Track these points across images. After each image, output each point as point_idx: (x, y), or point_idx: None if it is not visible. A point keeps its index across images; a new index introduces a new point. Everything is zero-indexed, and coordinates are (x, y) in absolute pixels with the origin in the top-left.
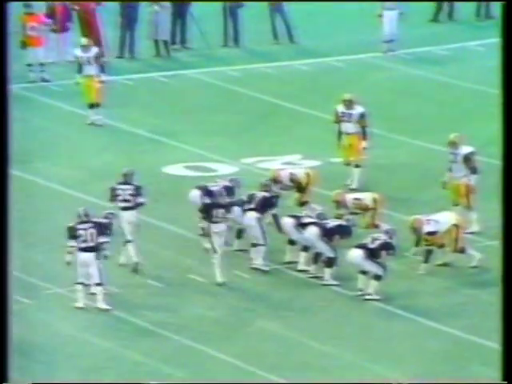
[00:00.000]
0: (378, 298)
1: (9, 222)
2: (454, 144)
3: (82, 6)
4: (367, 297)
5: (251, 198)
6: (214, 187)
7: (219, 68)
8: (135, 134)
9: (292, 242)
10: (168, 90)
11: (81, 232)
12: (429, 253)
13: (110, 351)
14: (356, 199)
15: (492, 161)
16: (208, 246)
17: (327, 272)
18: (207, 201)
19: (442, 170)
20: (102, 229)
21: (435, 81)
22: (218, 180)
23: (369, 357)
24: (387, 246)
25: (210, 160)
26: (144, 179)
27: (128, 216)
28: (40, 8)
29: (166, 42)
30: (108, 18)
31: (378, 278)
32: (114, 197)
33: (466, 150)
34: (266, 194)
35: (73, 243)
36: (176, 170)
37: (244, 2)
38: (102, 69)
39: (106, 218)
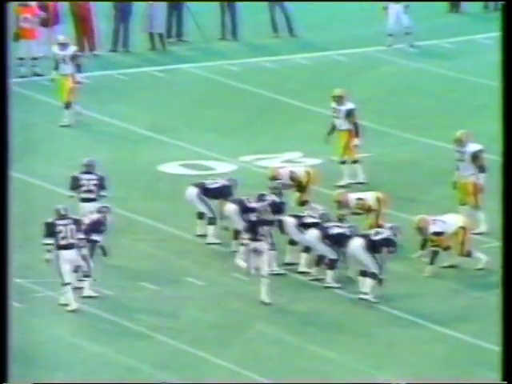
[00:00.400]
0: (375, 300)
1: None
2: (460, 141)
3: None
4: (362, 296)
5: (260, 199)
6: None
7: (216, 62)
8: (129, 130)
9: (293, 243)
10: (163, 85)
11: (60, 228)
12: (434, 254)
13: (103, 356)
14: (359, 199)
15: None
16: (243, 264)
17: (329, 274)
18: (252, 218)
19: (449, 168)
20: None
21: (441, 75)
22: (217, 178)
23: (372, 362)
24: (389, 242)
25: (207, 158)
26: (139, 178)
27: (89, 208)
28: None
29: (161, 35)
30: (101, 10)
31: (373, 276)
32: (75, 186)
33: (473, 147)
34: (276, 199)
35: (51, 240)
36: (172, 168)
37: None
38: (79, 68)
39: (99, 211)
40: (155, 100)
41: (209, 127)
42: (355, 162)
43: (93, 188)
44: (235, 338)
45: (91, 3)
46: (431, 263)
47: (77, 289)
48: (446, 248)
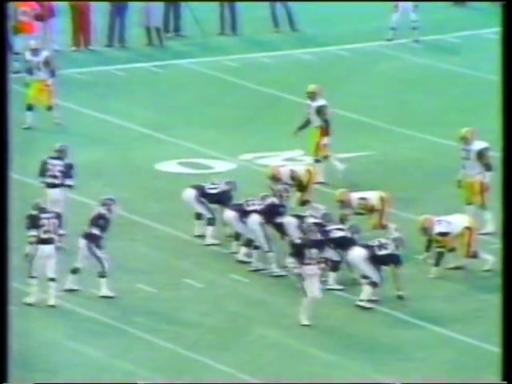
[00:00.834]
0: (369, 306)
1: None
2: (465, 139)
3: None
4: (357, 302)
5: (262, 200)
6: (213, 188)
7: (215, 58)
8: (125, 128)
9: None
10: (161, 81)
11: (44, 221)
12: (440, 255)
13: (98, 361)
14: (361, 199)
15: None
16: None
17: (331, 276)
18: (297, 240)
19: (454, 166)
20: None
21: (446, 71)
22: (216, 181)
23: (375, 367)
24: (394, 259)
25: (205, 156)
26: (135, 176)
27: (53, 194)
28: None
29: (158, 30)
30: (97, 4)
31: (373, 284)
32: (43, 172)
33: (479, 145)
34: (276, 201)
35: (34, 233)
36: (170, 166)
37: None
38: (52, 73)
39: (103, 204)
40: (152, 96)
41: (207, 124)
42: (318, 161)
43: (57, 174)
44: (234, 341)
45: None
46: (437, 264)
47: (72, 291)
48: (452, 249)
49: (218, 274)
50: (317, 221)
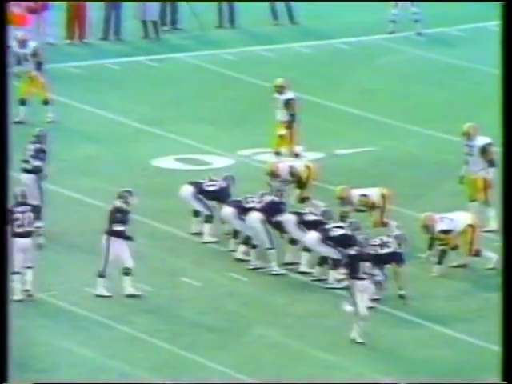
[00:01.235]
0: (371, 305)
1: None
2: (468, 135)
3: None
4: None
5: (261, 198)
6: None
7: (213, 51)
8: (121, 123)
9: (293, 242)
10: (157, 75)
11: (18, 215)
12: (443, 253)
13: (94, 361)
14: (362, 195)
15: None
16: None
17: (331, 275)
18: (351, 251)
19: (458, 162)
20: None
21: (449, 64)
22: (214, 177)
23: (377, 367)
24: (397, 257)
25: (203, 152)
26: (131, 173)
27: (24, 179)
28: None
29: (154, 23)
30: None
31: (377, 283)
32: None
33: (482, 141)
34: (275, 199)
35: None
36: (166, 162)
37: None
38: (39, 66)
39: (120, 197)
40: (148, 91)
41: (205, 120)
42: (297, 155)
43: (29, 158)
44: (233, 341)
45: None
46: (439, 263)
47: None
48: (454, 247)
49: (215, 273)
50: (316, 218)
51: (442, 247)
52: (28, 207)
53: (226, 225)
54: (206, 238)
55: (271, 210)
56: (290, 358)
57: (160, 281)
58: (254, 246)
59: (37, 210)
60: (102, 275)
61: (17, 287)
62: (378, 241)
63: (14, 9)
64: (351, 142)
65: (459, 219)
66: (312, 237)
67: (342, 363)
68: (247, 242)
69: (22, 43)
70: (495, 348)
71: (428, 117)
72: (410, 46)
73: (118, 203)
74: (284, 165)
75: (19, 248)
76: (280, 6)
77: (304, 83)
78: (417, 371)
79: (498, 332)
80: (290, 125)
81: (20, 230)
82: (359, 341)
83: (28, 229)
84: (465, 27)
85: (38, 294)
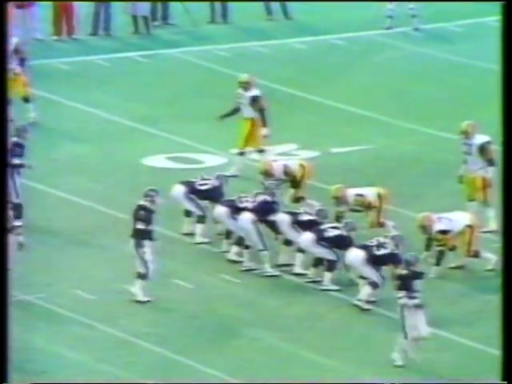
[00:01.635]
0: (367, 307)
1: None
2: (466, 133)
3: None
4: (355, 302)
5: (255, 198)
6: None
7: (205, 47)
8: (111, 121)
9: (287, 243)
10: (148, 72)
11: None
12: (440, 254)
13: (83, 365)
14: (358, 195)
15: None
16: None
17: (327, 276)
18: (403, 271)
19: (457, 161)
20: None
21: (448, 60)
22: (206, 176)
23: (373, 370)
24: (394, 258)
25: (195, 150)
26: (121, 172)
27: None
28: None
29: (145, 18)
30: None
31: (374, 285)
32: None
33: (480, 139)
34: (268, 198)
35: None
36: (157, 161)
37: None
38: (22, 62)
39: (146, 196)
40: (139, 88)
41: (197, 117)
42: (261, 151)
43: None
44: (225, 344)
45: None
46: (437, 264)
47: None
48: (452, 248)
49: (208, 274)
50: (311, 218)
51: (439, 248)
52: (9, 205)
53: (218, 225)
54: (198, 239)
55: (263, 210)
56: (285, 361)
57: (151, 283)
58: (247, 247)
59: (17, 208)
60: (143, 277)
61: None
62: (374, 242)
63: None
64: (347, 140)
65: (457, 219)
66: (307, 237)
67: (338, 367)
68: (240, 242)
69: None
70: (495, 352)
71: (426, 114)
72: (408, 42)
73: (143, 201)
74: (278, 164)
75: None
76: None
77: (299, 80)
78: (414, 375)
79: (497, 335)
80: (256, 121)
81: None
82: (399, 364)
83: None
84: (464, 22)
85: (26, 297)
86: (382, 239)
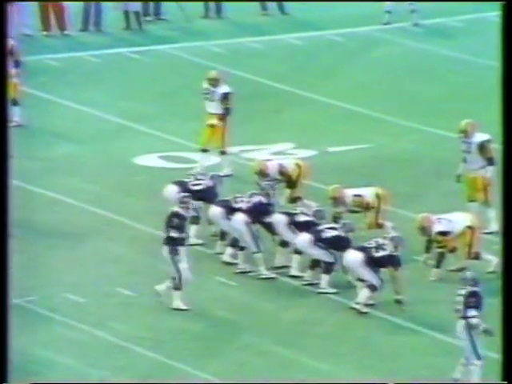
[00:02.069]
0: (365, 310)
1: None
2: (465, 132)
3: None
4: (353, 305)
5: (250, 198)
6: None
7: (199, 43)
8: (102, 119)
9: (284, 244)
10: (140, 69)
11: None
12: (440, 256)
13: (74, 369)
14: (356, 195)
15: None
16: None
17: (324, 279)
18: (475, 288)
19: (457, 160)
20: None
21: (448, 57)
22: (199, 176)
23: (371, 375)
24: (393, 260)
25: (188, 149)
26: (113, 171)
27: None
28: None
29: (137, 14)
30: None
31: (372, 287)
32: None
33: (480, 137)
34: (263, 199)
35: None
36: (150, 160)
37: None
38: (17, 64)
39: (181, 202)
40: (130, 85)
41: (190, 115)
42: (223, 153)
43: None
44: (220, 349)
45: None
46: (437, 266)
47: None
48: (453, 249)
49: (202, 277)
50: (308, 219)
51: (439, 250)
52: None
53: (212, 226)
54: (192, 240)
55: (258, 212)
56: (280, 366)
57: (143, 285)
58: (241, 249)
59: None
60: (177, 288)
61: None
62: (373, 243)
63: None
64: (344, 139)
65: (458, 220)
66: (303, 238)
67: (336, 372)
68: (235, 244)
69: None
70: (496, 356)
71: (425, 112)
72: (407, 38)
73: (177, 208)
74: (273, 163)
75: None
76: None
77: (295, 76)
78: (413, 379)
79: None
80: (223, 118)
81: None
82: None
83: None
84: (464, 18)
85: (15, 300)
86: (380, 240)
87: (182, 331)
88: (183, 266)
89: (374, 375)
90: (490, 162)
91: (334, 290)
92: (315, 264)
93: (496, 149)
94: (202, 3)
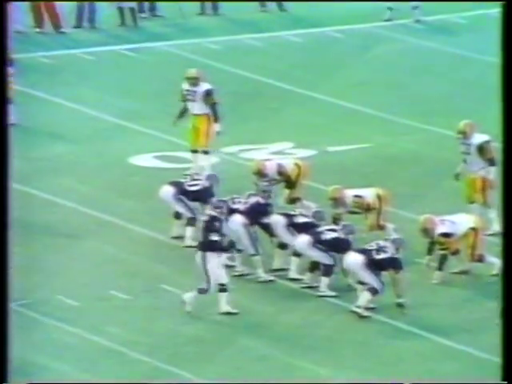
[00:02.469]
0: (366, 314)
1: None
2: (464, 133)
3: None
4: (354, 308)
5: (248, 199)
6: (193, 185)
7: (195, 40)
8: (96, 118)
9: (282, 246)
10: (135, 66)
11: None
12: (443, 259)
13: (66, 375)
14: (357, 196)
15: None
16: None
17: (324, 281)
18: None
19: (460, 160)
20: None
21: (451, 54)
22: (196, 176)
23: (372, 381)
24: (395, 263)
25: (185, 149)
26: (107, 172)
27: None
28: None
29: (132, 10)
30: None
31: (373, 291)
32: None
33: (479, 138)
34: (261, 200)
35: None
36: (145, 160)
37: None
38: (10, 63)
39: (216, 207)
40: (125, 83)
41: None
42: (206, 153)
43: None
44: (217, 353)
45: None
46: (440, 269)
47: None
48: (456, 251)
49: (198, 280)
50: (307, 220)
51: (442, 252)
52: None
53: None
54: (188, 242)
55: (256, 213)
56: (279, 371)
57: (138, 288)
58: (239, 251)
59: None
60: (204, 291)
61: None
62: (374, 245)
63: None
64: (344, 138)
65: (461, 222)
66: (302, 240)
67: (335, 377)
68: (232, 246)
69: None
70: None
71: (427, 111)
72: (408, 35)
73: (214, 213)
74: (272, 163)
75: None
76: None
77: (294, 74)
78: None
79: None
80: (211, 118)
81: None
82: None
83: None
84: (467, 14)
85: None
86: (381, 243)
87: (179, 335)
88: (221, 270)
89: (373, 380)
90: (491, 162)
91: (333, 294)
92: (314, 266)
93: (496, 148)
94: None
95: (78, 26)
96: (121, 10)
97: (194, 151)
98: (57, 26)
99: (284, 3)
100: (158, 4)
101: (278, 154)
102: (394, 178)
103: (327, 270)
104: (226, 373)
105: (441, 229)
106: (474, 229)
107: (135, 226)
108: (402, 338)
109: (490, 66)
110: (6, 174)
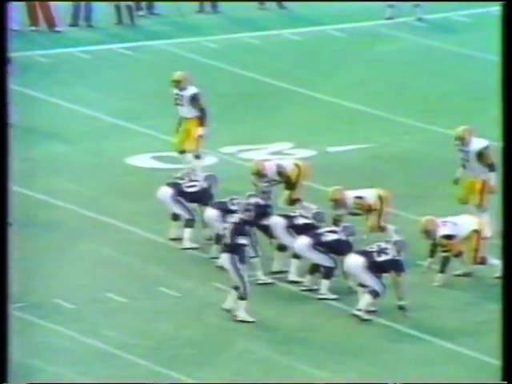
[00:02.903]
0: (367, 317)
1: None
2: (462, 139)
3: None
4: (354, 312)
5: (248, 199)
6: (192, 186)
7: (193, 38)
8: (93, 117)
9: (282, 248)
10: (132, 65)
11: None
12: (445, 261)
13: (63, 378)
14: (358, 197)
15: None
16: None
17: (324, 284)
18: None
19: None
20: None
21: (452, 52)
22: (194, 177)
23: None
24: (397, 265)
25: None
26: (104, 172)
27: None
28: None
29: (129, 8)
30: None
31: (374, 293)
32: None
33: (477, 144)
34: (260, 201)
35: None
36: (142, 161)
37: None
38: (8, 61)
39: (246, 210)
40: (122, 82)
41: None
42: (198, 157)
43: None
44: (215, 356)
45: None
46: (442, 271)
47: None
48: (458, 254)
49: (196, 282)
50: (307, 221)
51: (444, 254)
52: None
53: (207, 229)
54: (186, 244)
55: (255, 214)
56: (279, 374)
57: (135, 291)
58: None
59: None
60: (242, 298)
61: None
62: (375, 247)
63: None
64: (345, 138)
65: (463, 224)
66: (302, 242)
67: (335, 380)
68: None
69: None
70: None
71: (429, 110)
72: (410, 33)
73: (243, 216)
74: (271, 163)
75: None
76: None
77: (293, 73)
78: None
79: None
80: (200, 121)
81: None
82: None
83: None
84: (469, 12)
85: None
86: (383, 244)
87: (176, 338)
88: (246, 274)
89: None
90: (491, 168)
91: (334, 296)
92: (315, 269)
93: (496, 153)
94: None
95: (75, 24)
96: (118, 8)
97: (182, 152)
98: (51, 25)
99: (284, 2)
100: (156, 2)
101: (277, 155)
102: (395, 178)
103: (327, 273)
104: (225, 376)
105: (443, 231)
106: (476, 231)
107: (132, 227)
108: (404, 341)
109: (493, 64)
110: (6, 175)
